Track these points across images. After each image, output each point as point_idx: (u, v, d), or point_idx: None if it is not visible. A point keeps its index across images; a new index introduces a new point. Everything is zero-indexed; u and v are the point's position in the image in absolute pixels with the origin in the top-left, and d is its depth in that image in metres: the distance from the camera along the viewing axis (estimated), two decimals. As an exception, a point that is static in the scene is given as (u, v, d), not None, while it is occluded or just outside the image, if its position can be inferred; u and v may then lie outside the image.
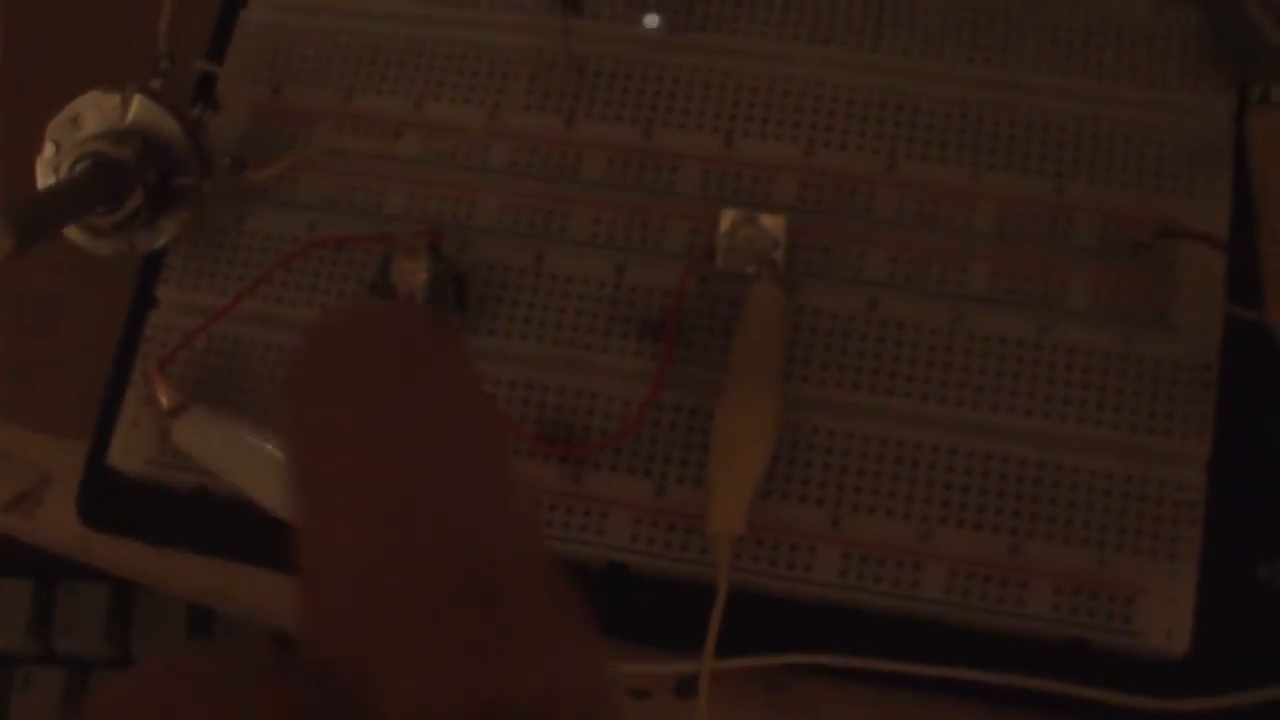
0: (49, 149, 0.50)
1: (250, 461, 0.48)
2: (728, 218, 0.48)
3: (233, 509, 0.49)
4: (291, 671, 0.22)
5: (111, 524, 0.51)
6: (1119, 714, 0.45)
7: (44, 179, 0.49)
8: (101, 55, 0.55)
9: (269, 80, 0.54)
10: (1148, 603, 0.45)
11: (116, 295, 0.52)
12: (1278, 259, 0.43)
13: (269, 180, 0.51)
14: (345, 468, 0.24)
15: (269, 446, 0.48)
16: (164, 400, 0.49)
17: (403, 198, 0.51)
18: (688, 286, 0.49)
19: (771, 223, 0.48)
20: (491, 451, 0.27)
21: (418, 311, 0.30)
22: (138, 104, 0.49)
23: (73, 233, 0.50)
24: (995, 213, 0.49)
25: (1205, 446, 0.46)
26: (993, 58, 0.50)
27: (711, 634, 0.45)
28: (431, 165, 0.52)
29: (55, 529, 0.55)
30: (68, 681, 0.68)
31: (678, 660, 0.46)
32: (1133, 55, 0.50)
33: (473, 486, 0.25)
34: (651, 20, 0.50)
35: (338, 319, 0.29)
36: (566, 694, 0.23)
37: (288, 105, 0.53)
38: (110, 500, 0.51)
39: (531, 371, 0.49)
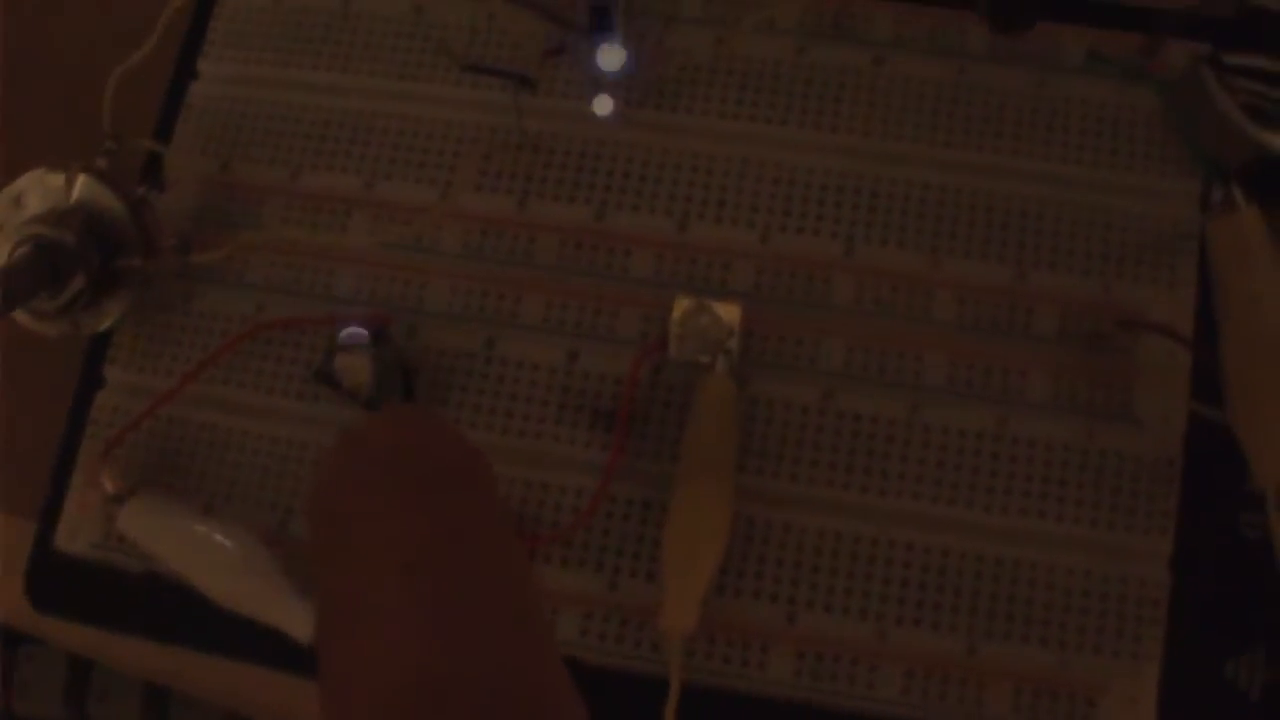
0: (-9, 229, 0.48)
1: (196, 551, 0.47)
2: (681, 305, 0.47)
3: (183, 594, 0.47)
4: None
5: (59, 607, 0.50)
6: (1077, 818, 0.43)
7: (-15, 261, 0.48)
8: (48, 132, 0.54)
9: (217, 156, 0.52)
10: (1109, 703, 0.44)
11: (66, 374, 0.51)
12: (1237, 360, 0.41)
13: (215, 262, 0.50)
14: (379, 594, 0.23)
15: (216, 536, 0.46)
16: (108, 486, 0.47)
17: (352, 280, 0.50)
18: (640, 375, 0.47)
19: (726, 311, 0.47)
20: (517, 579, 0.26)
21: (447, 433, 0.29)
22: (82, 183, 0.47)
23: (18, 314, 0.49)
24: (954, 300, 0.47)
25: (1168, 543, 0.45)
26: (954, 140, 0.49)
27: (663, 733, 0.44)
28: (381, 246, 0.50)
29: (5, 605, 0.53)
30: (26, 745, 0.67)
31: (629, 757, 0.45)
32: (1096, 137, 0.48)
33: (500, 616, 0.24)
34: (603, 105, 0.48)
35: (371, 433, 0.26)
36: None
37: (236, 182, 0.52)
38: (58, 582, 0.50)
39: (481, 461, 0.48)
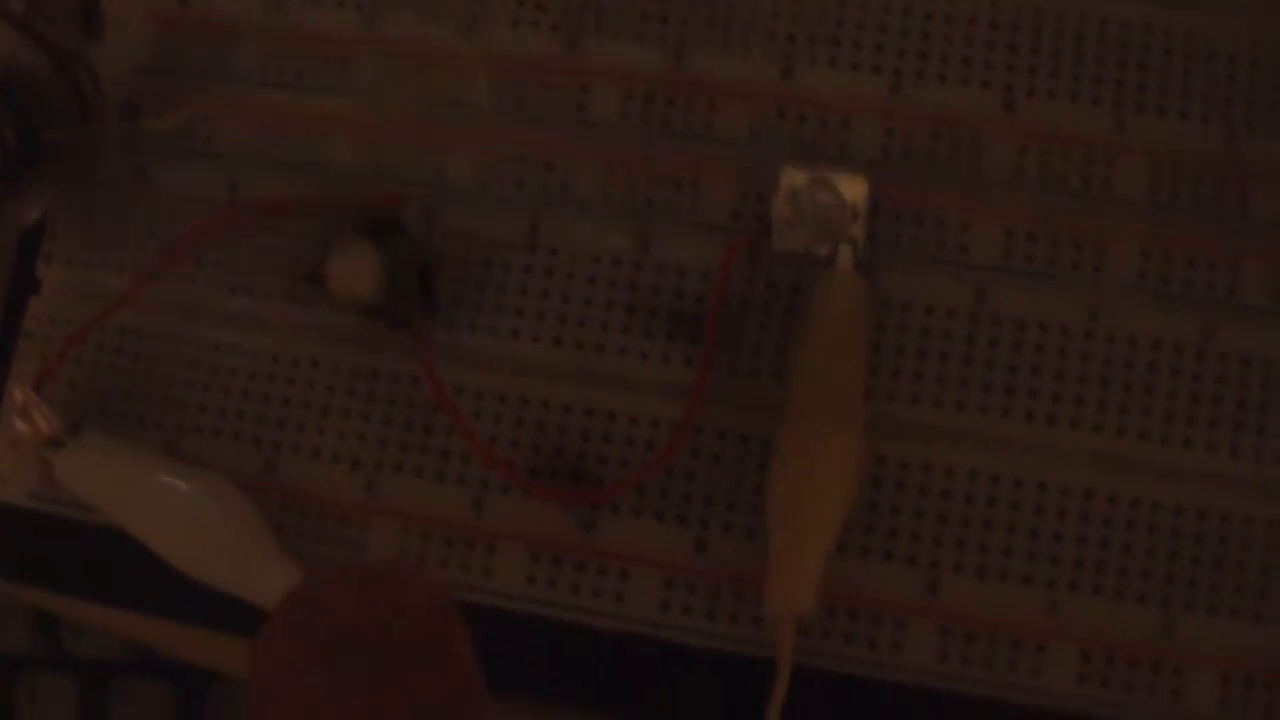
0: None
1: (156, 507, 0.34)
2: (789, 179, 0.34)
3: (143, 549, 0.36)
4: None
5: (-6, 566, 0.38)
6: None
7: None
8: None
9: (174, -17, 0.39)
10: (1341, 694, 0.32)
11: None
12: None
13: (172, 128, 0.36)
14: None
15: (182, 486, 0.34)
16: (43, 425, 0.35)
17: (351, 146, 0.37)
18: (733, 269, 0.35)
19: (849, 185, 0.34)
20: None
21: (422, 604, 0.25)
22: (-13, 27, 0.34)
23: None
24: (1145, 171, 0.34)
25: None
26: (1142, -45, 0.35)
27: (769, 729, 0.32)
28: (389, 101, 0.37)
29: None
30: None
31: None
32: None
33: None
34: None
35: (326, 602, 0.22)
36: None
37: (197, 19, 0.38)
38: (-10, 535, 0.38)
39: (526, 382, 0.35)
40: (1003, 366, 0.34)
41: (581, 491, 0.34)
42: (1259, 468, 0.33)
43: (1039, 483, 0.33)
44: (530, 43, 0.37)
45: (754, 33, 0.36)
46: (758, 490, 0.34)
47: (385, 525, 0.35)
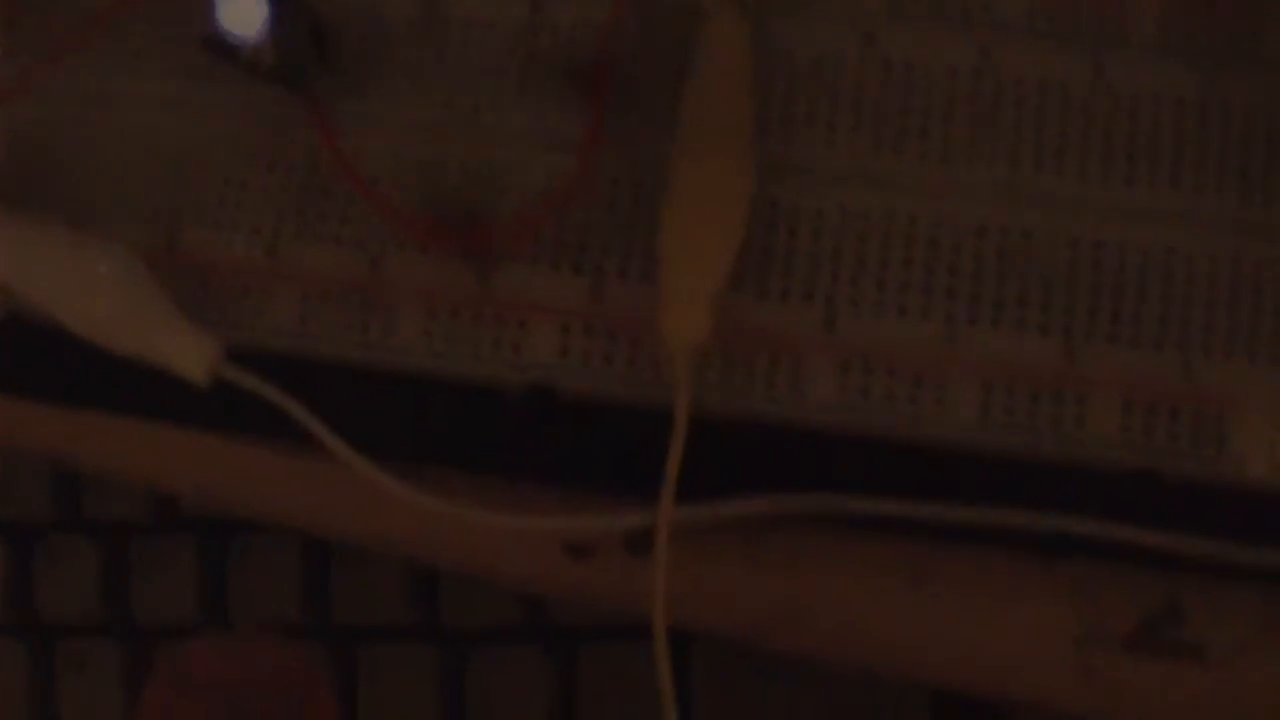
0: None
1: (61, 274, 0.34)
2: (677, -71, 0.34)
3: (51, 339, 0.35)
4: None
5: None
6: (1206, 564, 0.32)
7: None
8: None
9: None
10: (1245, 420, 0.32)
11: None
12: None
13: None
14: None
15: (84, 254, 0.34)
16: (-60, 197, 0.35)
17: (250, -77, 0.37)
18: (622, 23, 0.35)
19: (734, -66, 0.34)
20: None
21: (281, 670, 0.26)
22: None
23: None
24: (1031, -83, 0.35)
25: (1314, 215, 0.33)
26: None
27: (670, 475, 0.31)
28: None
29: None
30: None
31: (627, 509, 0.33)
32: None
33: None
34: None
35: (194, 668, 0.23)
36: None
37: None
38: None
39: (422, 142, 0.35)
40: (894, 108, 0.34)
41: (476, 237, 0.34)
42: (1154, 197, 0.33)
43: (934, 219, 0.33)
44: None
45: None
46: (650, 233, 0.33)
47: (285, 290, 0.35)
